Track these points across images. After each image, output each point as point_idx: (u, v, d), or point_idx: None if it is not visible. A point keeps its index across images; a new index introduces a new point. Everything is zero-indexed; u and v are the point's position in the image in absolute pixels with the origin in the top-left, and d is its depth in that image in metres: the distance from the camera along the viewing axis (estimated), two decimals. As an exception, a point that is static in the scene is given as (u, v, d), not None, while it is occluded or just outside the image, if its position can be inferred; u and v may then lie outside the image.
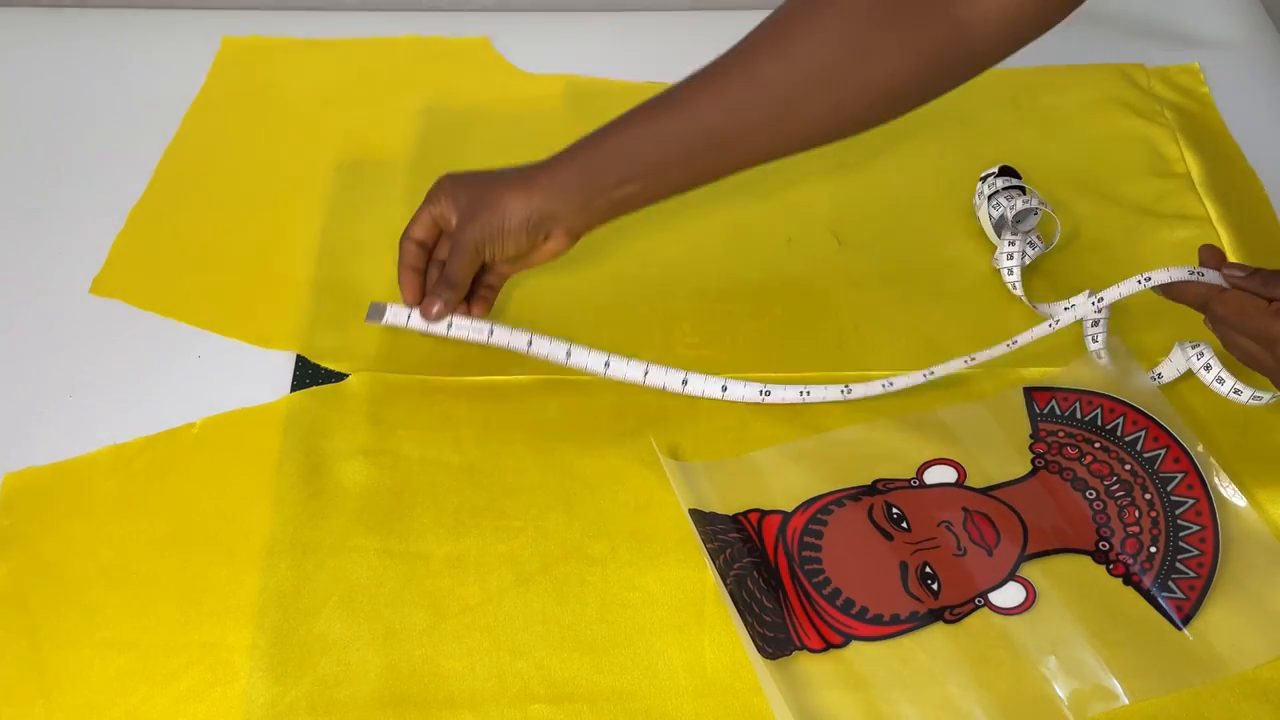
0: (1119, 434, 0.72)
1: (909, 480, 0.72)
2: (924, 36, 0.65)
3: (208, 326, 0.83)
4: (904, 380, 0.75)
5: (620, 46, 1.09)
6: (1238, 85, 1.02)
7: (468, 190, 0.74)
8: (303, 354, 0.80)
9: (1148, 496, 0.70)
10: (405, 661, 0.64)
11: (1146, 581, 0.66)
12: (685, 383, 0.76)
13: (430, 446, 0.74)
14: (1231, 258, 0.85)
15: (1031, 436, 0.74)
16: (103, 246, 0.89)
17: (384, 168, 0.95)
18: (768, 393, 0.76)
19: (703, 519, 0.69)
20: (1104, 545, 0.68)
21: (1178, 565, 0.66)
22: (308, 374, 0.79)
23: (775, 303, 0.84)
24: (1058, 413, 0.74)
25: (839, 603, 0.66)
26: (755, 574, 0.67)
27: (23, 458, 0.74)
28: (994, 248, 0.86)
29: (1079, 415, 0.74)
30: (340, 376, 0.79)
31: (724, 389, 0.76)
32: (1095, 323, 0.76)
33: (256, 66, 1.07)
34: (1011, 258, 0.81)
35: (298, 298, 0.84)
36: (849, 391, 0.75)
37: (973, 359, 0.75)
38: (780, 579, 0.67)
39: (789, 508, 0.71)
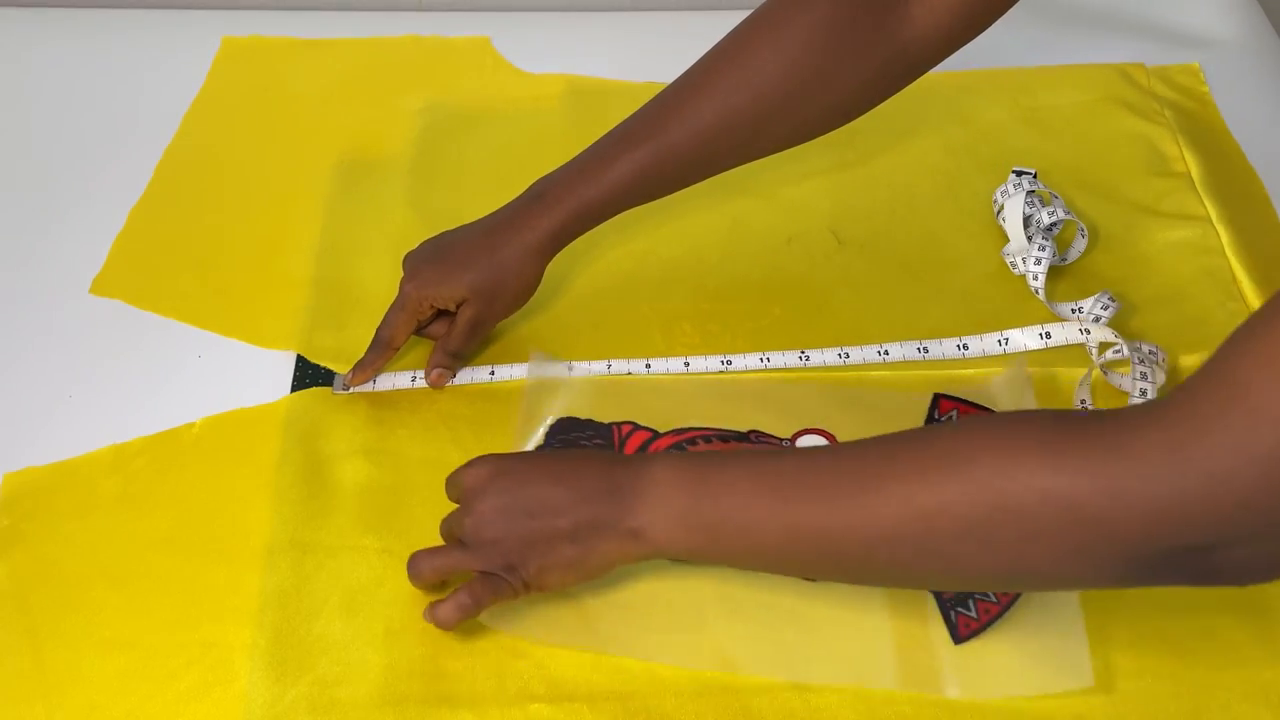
0: None
1: (781, 440, 0.72)
2: (872, 56, 0.70)
3: (208, 326, 0.83)
4: (858, 354, 0.78)
5: (620, 46, 1.09)
6: (1238, 85, 1.02)
7: (457, 283, 0.75)
8: (303, 354, 0.80)
9: None
10: (405, 661, 0.64)
11: (948, 594, 0.65)
12: (648, 366, 0.78)
13: (430, 446, 0.74)
14: (1232, 257, 0.85)
15: None
16: (103, 246, 0.89)
17: (384, 168, 0.95)
18: (729, 362, 0.78)
19: (573, 426, 0.72)
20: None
21: None
22: (308, 374, 0.79)
23: (775, 303, 0.84)
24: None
25: None
26: None
27: (23, 458, 0.74)
28: (1000, 244, 0.86)
29: None
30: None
31: (686, 364, 0.78)
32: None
33: (256, 66, 1.07)
34: (1040, 262, 0.82)
35: (298, 298, 0.84)
36: (806, 359, 0.78)
37: (964, 347, 0.78)
38: None
39: (661, 429, 0.72)
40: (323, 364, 0.79)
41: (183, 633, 0.66)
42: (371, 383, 0.78)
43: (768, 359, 0.79)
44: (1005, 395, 0.76)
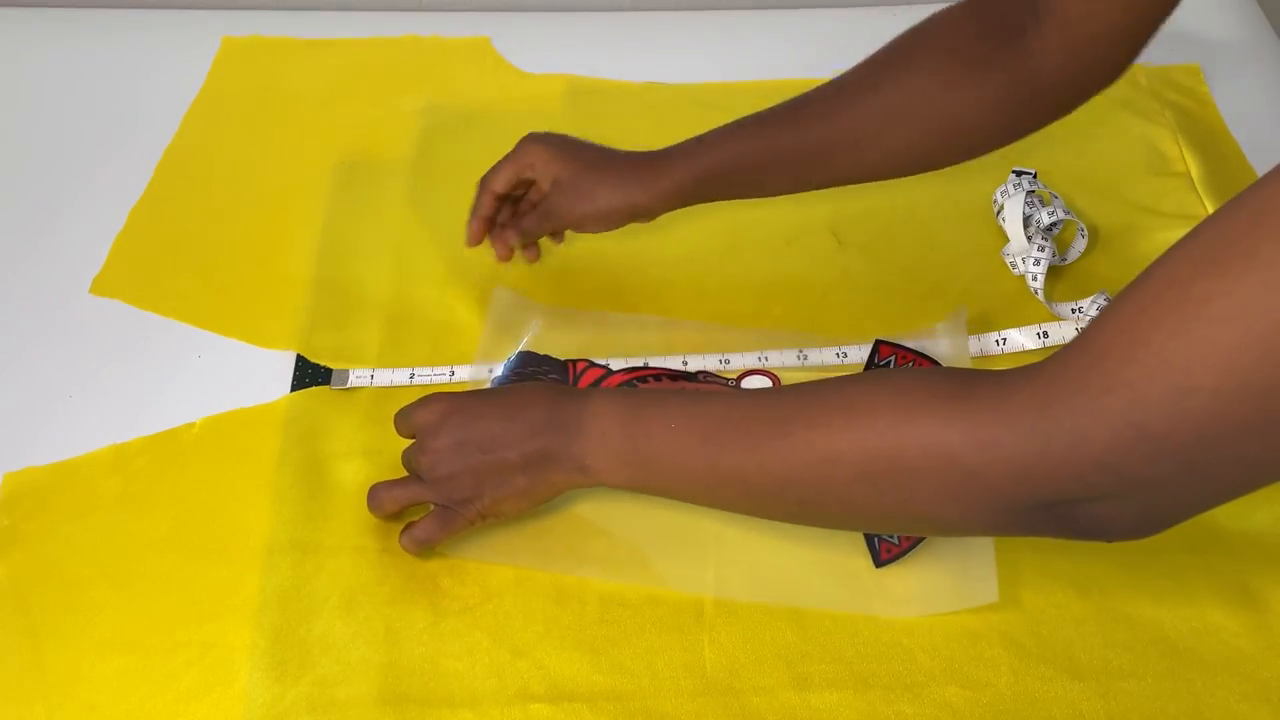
0: None
1: (727, 380, 0.77)
2: (996, 79, 0.70)
3: (208, 326, 0.83)
4: (856, 353, 0.79)
5: (620, 46, 1.09)
6: (1238, 85, 1.02)
7: (568, 164, 0.77)
8: (303, 354, 0.80)
9: None
10: (405, 660, 0.64)
11: None
12: (646, 364, 0.79)
13: (430, 446, 0.74)
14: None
15: None
16: (103, 246, 0.89)
17: (384, 168, 0.95)
18: (727, 361, 0.79)
19: (531, 361, 0.76)
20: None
21: None
22: (307, 374, 0.79)
23: (775, 303, 0.84)
24: (891, 366, 0.77)
25: None
26: None
27: (23, 458, 0.74)
28: (1000, 244, 0.86)
29: None
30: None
31: (685, 363, 0.79)
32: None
33: (257, 66, 1.07)
34: (1039, 262, 0.82)
35: (298, 298, 0.84)
36: (804, 358, 0.79)
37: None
38: None
39: (613, 366, 0.76)
40: (323, 364, 0.79)
41: (183, 633, 0.66)
42: (370, 378, 0.78)
43: (765, 358, 0.79)
44: (943, 342, 0.78)
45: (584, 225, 0.78)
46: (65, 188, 0.95)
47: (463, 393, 0.68)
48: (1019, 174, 0.87)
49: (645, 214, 0.77)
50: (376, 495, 0.68)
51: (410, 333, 0.82)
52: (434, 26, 1.10)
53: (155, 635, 0.66)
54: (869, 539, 0.68)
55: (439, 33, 1.10)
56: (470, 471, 0.64)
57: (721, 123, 0.82)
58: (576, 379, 0.76)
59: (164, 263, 0.88)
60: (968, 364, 0.77)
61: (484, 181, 0.80)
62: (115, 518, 0.71)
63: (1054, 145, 0.95)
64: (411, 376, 0.78)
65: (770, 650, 0.64)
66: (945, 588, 0.66)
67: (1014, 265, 0.84)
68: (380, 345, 0.81)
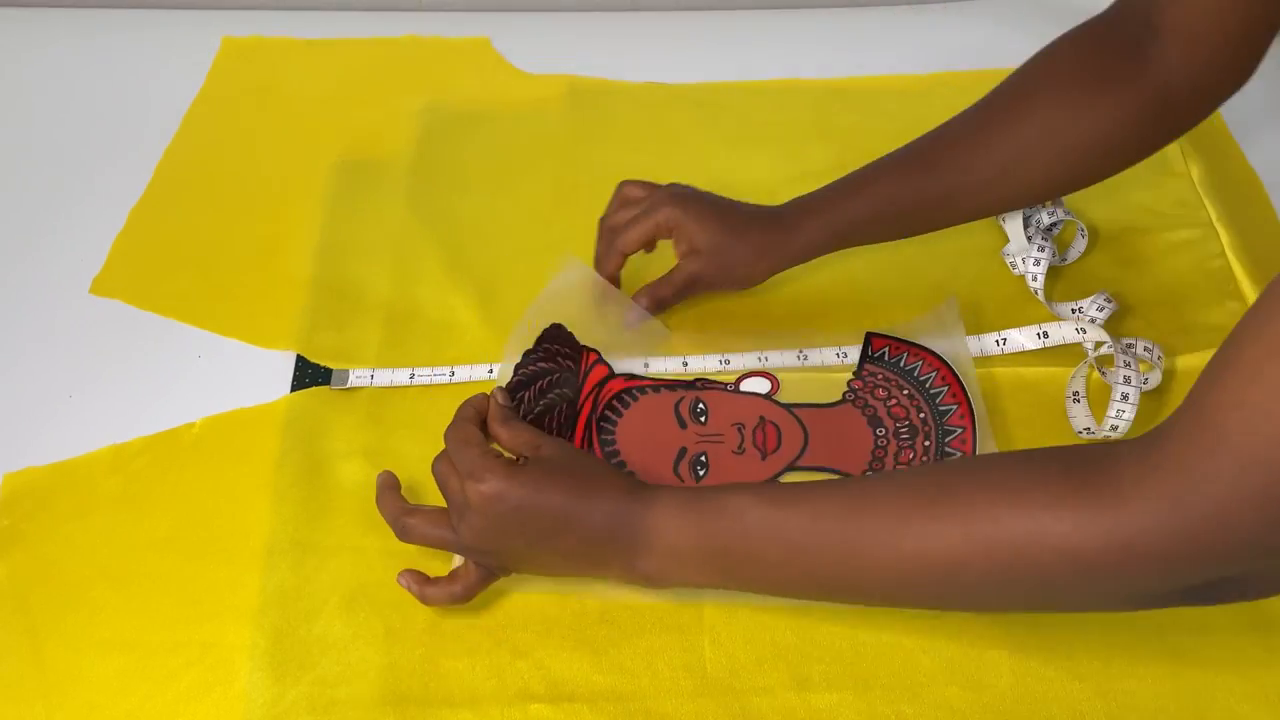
0: (928, 386, 0.76)
1: (725, 385, 0.77)
2: (1124, 97, 0.70)
3: (208, 326, 0.83)
4: (855, 354, 0.79)
5: (620, 46, 1.09)
6: (1238, 85, 1.02)
7: (703, 230, 0.77)
8: (303, 354, 0.80)
9: (927, 444, 0.73)
10: (405, 660, 0.64)
11: None
12: (646, 365, 0.79)
13: (430, 446, 0.74)
14: (1232, 258, 0.85)
15: (854, 374, 0.77)
16: (103, 246, 0.89)
17: (384, 168, 0.95)
18: (727, 361, 0.79)
19: (558, 335, 0.77)
20: (868, 475, 0.71)
21: None
22: (307, 374, 0.79)
23: (775, 303, 0.84)
24: (886, 359, 0.78)
25: (613, 463, 0.72)
26: (564, 406, 0.74)
27: (23, 458, 0.74)
28: (1000, 244, 0.86)
29: (903, 364, 0.77)
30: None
31: (685, 364, 0.79)
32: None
33: (256, 66, 1.07)
34: (1039, 263, 0.82)
35: (298, 298, 0.84)
36: (805, 358, 0.79)
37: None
38: (576, 422, 0.74)
39: (617, 371, 0.77)
40: (323, 364, 0.79)
41: (183, 633, 0.66)
42: (370, 377, 0.78)
43: (765, 358, 0.79)
44: (937, 332, 0.78)
45: (724, 290, 0.80)
46: (65, 188, 0.95)
47: (520, 474, 0.60)
48: None
49: (782, 269, 0.79)
50: (408, 530, 0.63)
51: (410, 333, 0.82)
52: (434, 27, 1.10)
53: (155, 635, 0.66)
54: None
55: (439, 33, 1.10)
56: (512, 554, 0.62)
57: (720, 123, 0.82)
58: (586, 373, 0.76)
59: (164, 263, 0.88)
60: (964, 351, 0.77)
61: (611, 237, 0.79)
62: (115, 518, 0.71)
63: (1054, 145, 0.95)
64: (412, 377, 0.78)
65: (770, 650, 0.64)
66: None
67: (1014, 265, 0.84)
68: (380, 345, 0.81)
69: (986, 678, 0.63)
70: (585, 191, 0.83)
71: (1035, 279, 0.82)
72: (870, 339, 0.78)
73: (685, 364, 0.79)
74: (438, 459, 0.64)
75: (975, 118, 0.75)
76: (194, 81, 1.04)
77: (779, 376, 0.77)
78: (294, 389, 0.78)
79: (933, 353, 0.77)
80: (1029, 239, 0.83)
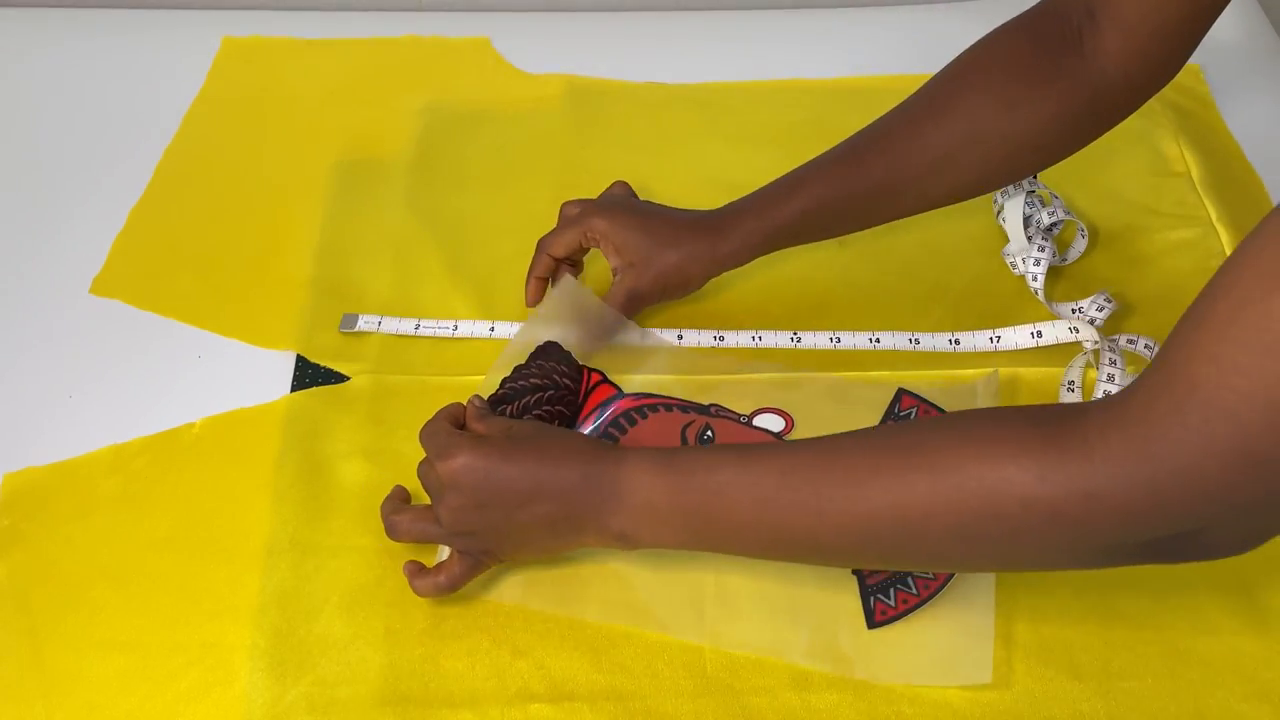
0: None
1: (739, 416, 0.75)
2: (1058, 91, 0.70)
3: (208, 326, 0.83)
4: (849, 339, 0.80)
5: (620, 46, 1.09)
6: (1238, 85, 1.02)
7: (631, 237, 0.77)
8: (303, 354, 0.80)
9: None
10: (405, 660, 0.64)
11: (871, 580, 0.66)
12: (680, 337, 0.80)
13: (430, 446, 0.74)
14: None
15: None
16: (103, 246, 0.89)
17: (384, 168, 0.95)
18: (721, 338, 0.80)
19: (555, 353, 0.75)
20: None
21: (908, 579, 0.66)
22: (308, 374, 0.79)
23: (775, 303, 0.84)
24: (913, 418, 0.75)
25: None
26: (557, 424, 0.72)
27: (23, 458, 0.74)
28: (1000, 244, 0.86)
29: None
30: (340, 377, 0.79)
31: (680, 336, 0.81)
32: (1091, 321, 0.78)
33: (256, 66, 1.07)
34: (1039, 263, 0.82)
35: (298, 298, 0.84)
36: (798, 340, 0.80)
37: (955, 341, 0.80)
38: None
39: (626, 390, 0.76)
40: (323, 364, 0.79)
41: (183, 633, 0.66)
42: (377, 323, 0.81)
43: (760, 337, 0.80)
44: (971, 403, 0.75)
45: (665, 299, 0.80)
46: (65, 188, 0.95)
47: (487, 443, 0.62)
48: None
49: (718, 274, 0.79)
50: (395, 526, 0.65)
51: (412, 334, 0.82)
52: (434, 27, 1.10)
53: (155, 635, 0.66)
54: (865, 598, 0.65)
55: (439, 33, 1.10)
56: (493, 530, 0.62)
57: (720, 123, 0.82)
58: (589, 392, 0.75)
59: (164, 263, 0.88)
60: None
61: (542, 244, 0.80)
62: (115, 518, 0.71)
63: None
64: (417, 327, 0.80)
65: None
66: (936, 661, 0.64)
67: (1014, 265, 0.84)
68: (381, 345, 0.81)
69: (986, 678, 0.63)
70: (585, 191, 0.83)
71: (1035, 279, 0.82)
72: (900, 396, 0.76)
73: (680, 336, 0.80)
74: (420, 463, 0.65)
75: (908, 113, 0.74)
76: (194, 81, 1.04)
77: (795, 417, 0.75)
78: (294, 389, 0.78)
79: None
80: (1029, 239, 0.83)
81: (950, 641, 0.64)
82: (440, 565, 0.65)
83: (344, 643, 0.65)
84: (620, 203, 0.80)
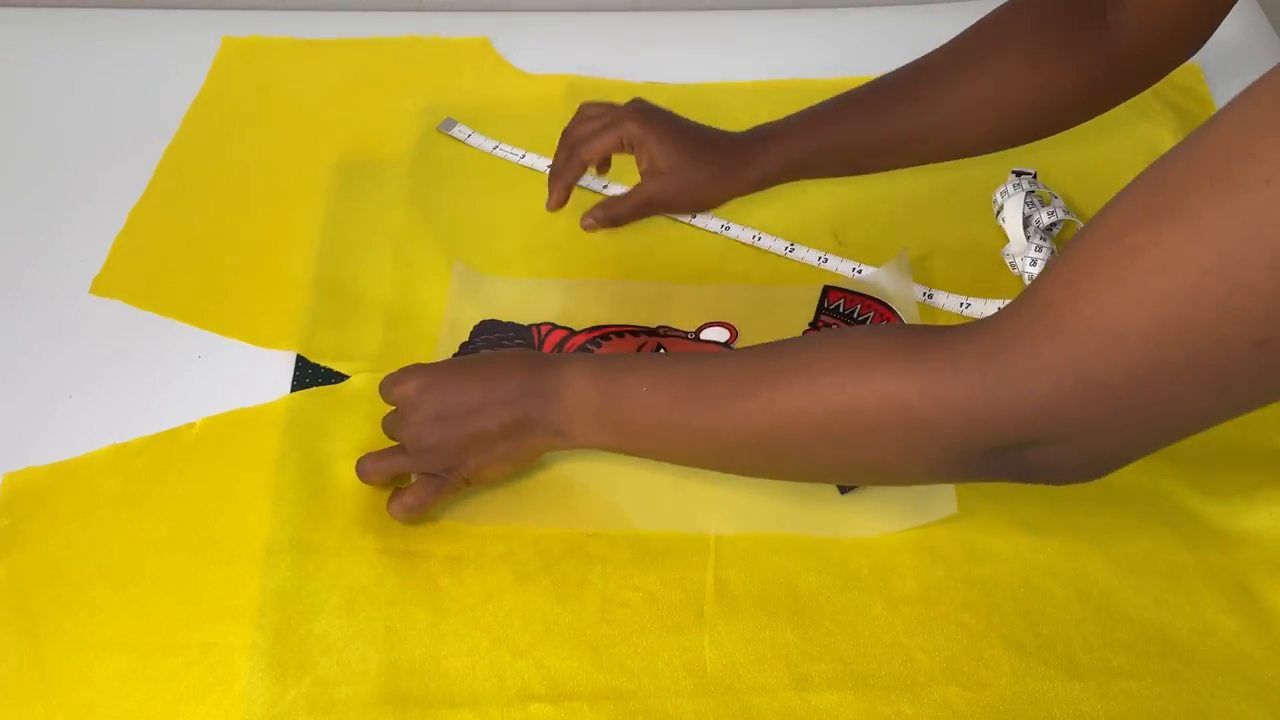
0: None
1: (687, 333, 0.80)
2: (1081, 57, 0.72)
3: (208, 326, 0.83)
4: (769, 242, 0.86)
5: (620, 46, 1.09)
6: (1238, 85, 1.02)
7: (667, 149, 0.80)
8: (303, 354, 0.80)
9: None
10: (405, 661, 0.64)
11: None
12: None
13: (430, 446, 0.74)
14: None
15: (810, 324, 0.81)
16: (103, 246, 0.89)
17: (384, 168, 0.95)
18: (727, 228, 0.87)
19: (495, 328, 0.79)
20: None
21: None
22: (308, 374, 0.79)
23: (775, 302, 0.84)
24: (841, 310, 0.82)
25: None
26: None
27: (23, 458, 0.74)
28: (1002, 242, 0.86)
29: (856, 314, 0.81)
30: (340, 377, 0.79)
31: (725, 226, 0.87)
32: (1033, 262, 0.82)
33: (256, 66, 1.07)
34: (1038, 263, 0.82)
35: (298, 298, 0.84)
36: (791, 250, 0.86)
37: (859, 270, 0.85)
38: None
39: (577, 328, 0.80)
40: (323, 364, 0.79)
41: (183, 633, 0.66)
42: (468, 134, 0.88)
43: (759, 238, 0.87)
44: (888, 283, 0.82)
45: (680, 213, 0.82)
46: (65, 188, 0.95)
47: (440, 364, 0.69)
48: (1019, 174, 0.87)
49: (738, 196, 0.82)
50: (364, 467, 0.70)
51: (410, 332, 0.82)
52: (434, 27, 1.10)
53: (155, 635, 0.66)
54: None
55: (439, 33, 1.10)
56: (452, 441, 0.66)
57: (721, 124, 0.82)
58: (541, 341, 0.79)
59: (164, 263, 0.88)
60: (912, 302, 0.81)
61: (574, 146, 0.81)
62: (115, 518, 0.71)
63: (1054, 145, 0.95)
64: (495, 148, 0.88)
65: (770, 650, 0.64)
66: (905, 509, 0.69)
67: (1014, 265, 0.85)
68: (380, 345, 0.81)
69: (986, 678, 0.63)
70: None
71: (1032, 279, 0.82)
72: (827, 291, 0.81)
73: (726, 228, 0.87)
74: (384, 416, 0.70)
75: (935, 64, 0.76)
76: (194, 81, 1.04)
77: (738, 327, 0.80)
78: (294, 389, 0.78)
79: (884, 303, 0.80)
80: (1029, 239, 0.83)
81: (912, 489, 0.70)
82: (407, 488, 0.69)
83: (344, 643, 0.65)
84: (655, 112, 0.81)
